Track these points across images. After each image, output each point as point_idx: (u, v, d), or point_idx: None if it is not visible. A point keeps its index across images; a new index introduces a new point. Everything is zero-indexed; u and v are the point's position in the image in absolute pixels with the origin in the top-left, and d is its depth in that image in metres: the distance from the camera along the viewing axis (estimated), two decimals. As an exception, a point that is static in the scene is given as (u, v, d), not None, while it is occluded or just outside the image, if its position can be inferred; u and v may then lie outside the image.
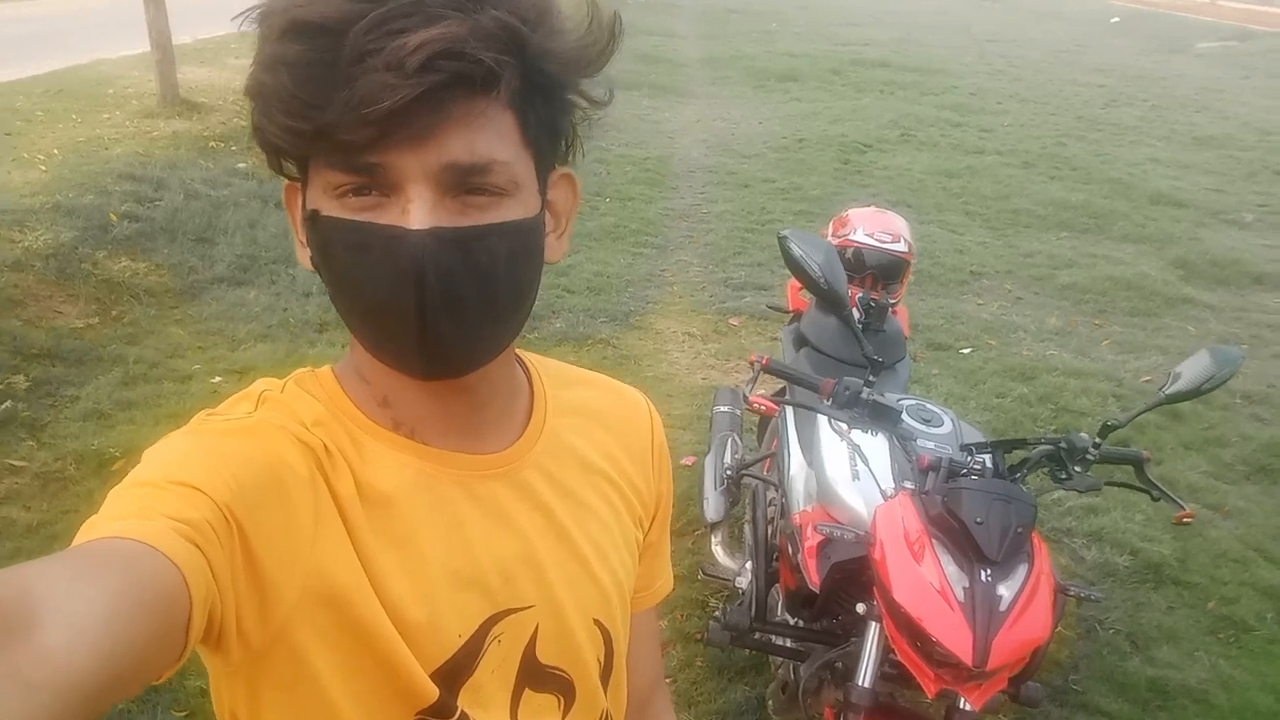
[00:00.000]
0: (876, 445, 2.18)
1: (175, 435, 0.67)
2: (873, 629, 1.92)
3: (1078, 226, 7.32)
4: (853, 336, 2.74)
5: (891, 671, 2.02)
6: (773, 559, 2.52)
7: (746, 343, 5.06)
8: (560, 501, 0.81)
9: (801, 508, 2.40)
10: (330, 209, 0.66)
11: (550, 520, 0.80)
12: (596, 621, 0.83)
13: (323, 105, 0.60)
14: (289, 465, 0.67)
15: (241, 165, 6.57)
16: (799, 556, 2.18)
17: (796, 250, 2.01)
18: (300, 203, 0.70)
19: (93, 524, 0.58)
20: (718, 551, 2.91)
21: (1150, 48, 19.55)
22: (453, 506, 0.75)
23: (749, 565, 2.67)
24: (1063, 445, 1.93)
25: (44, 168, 5.69)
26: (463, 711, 0.73)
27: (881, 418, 1.94)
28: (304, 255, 0.72)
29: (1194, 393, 1.87)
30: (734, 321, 5.28)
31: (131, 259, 4.94)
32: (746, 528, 2.92)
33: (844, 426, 2.03)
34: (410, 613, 0.70)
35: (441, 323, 0.66)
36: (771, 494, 2.78)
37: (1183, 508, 1.90)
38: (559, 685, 0.81)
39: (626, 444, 0.90)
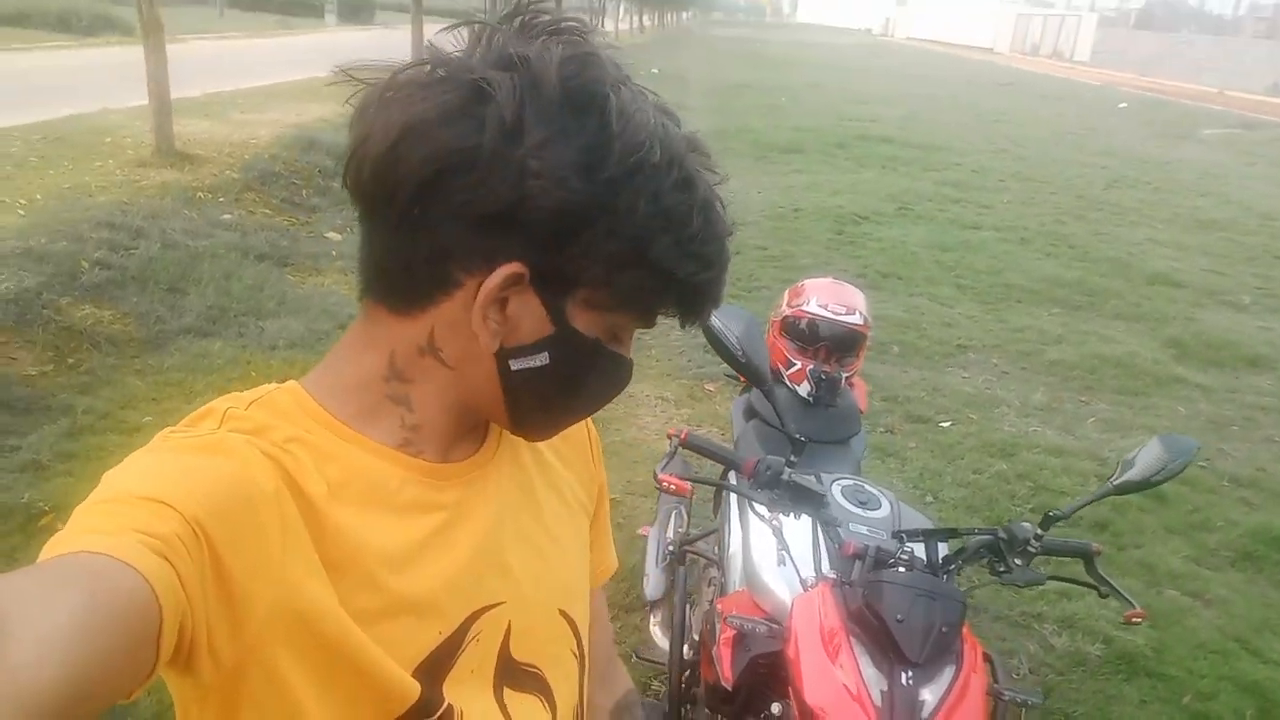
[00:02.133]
0: (799, 529, 2.02)
1: (138, 453, 0.66)
2: None
3: (1070, 303, 7.21)
4: (801, 407, 2.63)
5: None
6: (698, 648, 2.36)
7: (721, 409, 4.93)
8: (523, 500, 0.85)
9: (736, 588, 2.25)
10: (605, 339, 0.76)
11: (514, 518, 0.83)
12: (562, 612, 0.86)
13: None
14: (255, 481, 0.66)
15: (227, 216, 6.56)
16: (715, 648, 2.03)
17: (715, 322, 1.89)
18: (545, 306, 0.73)
19: (58, 540, 0.58)
20: (655, 633, 2.74)
21: (1156, 133, 19.70)
22: (429, 509, 0.76)
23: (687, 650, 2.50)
24: (1002, 536, 1.78)
25: (23, 213, 5.67)
26: (449, 704, 0.74)
27: (803, 500, 1.80)
28: (490, 335, 0.73)
29: (1144, 484, 1.72)
30: (710, 387, 5.17)
31: (96, 306, 4.87)
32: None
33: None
34: (390, 612, 0.71)
35: None
36: (714, 573, 2.62)
37: (1133, 605, 1.74)
38: (535, 684, 0.83)
39: (568, 439, 0.94)
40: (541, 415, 0.80)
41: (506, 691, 0.80)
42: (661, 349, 5.63)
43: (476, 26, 0.71)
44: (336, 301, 5.72)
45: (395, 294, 0.73)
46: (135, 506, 0.59)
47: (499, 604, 0.79)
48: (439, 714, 0.73)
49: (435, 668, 0.74)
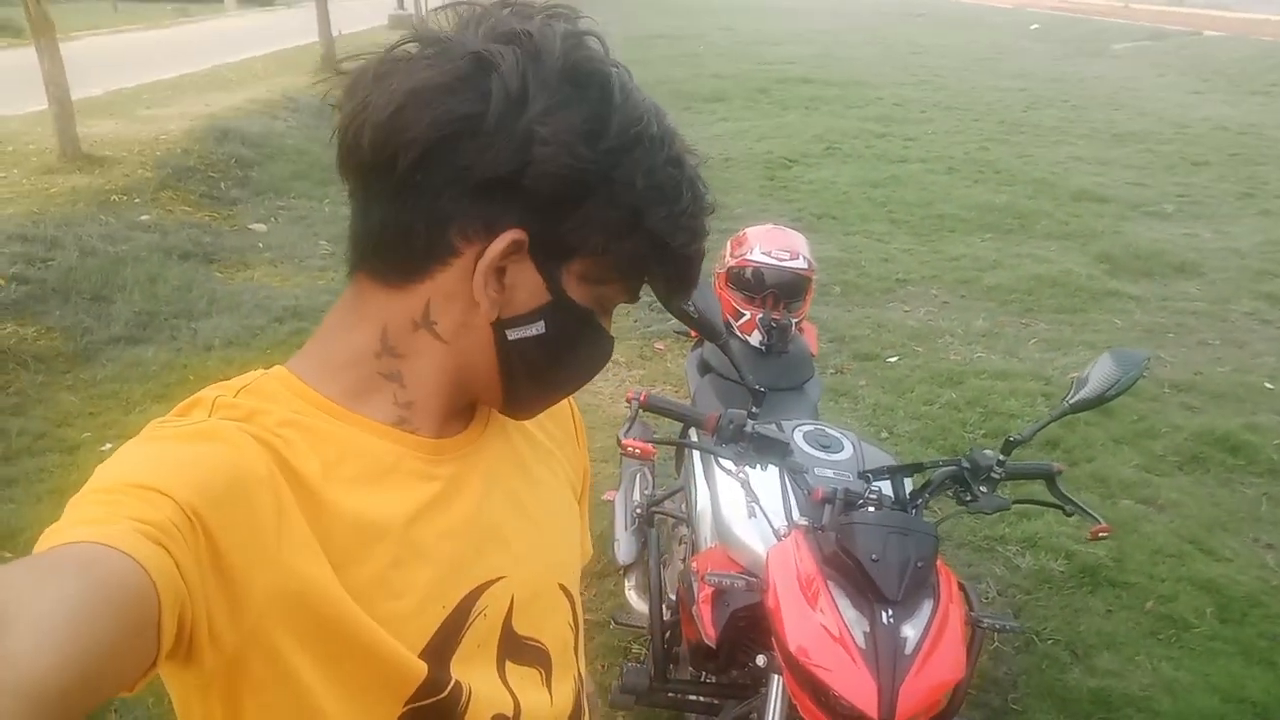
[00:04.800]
0: (767, 480, 2.02)
1: (128, 445, 0.66)
2: (775, 682, 1.76)
3: (1002, 228, 7.32)
4: (754, 357, 2.63)
5: None
6: (676, 608, 2.36)
7: (672, 366, 4.92)
8: (516, 475, 0.86)
9: (708, 545, 2.25)
10: (596, 311, 0.77)
11: (510, 493, 0.84)
12: (561, 586, 0.87)
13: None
14: (247, 465, 0.65)
15: (144, 217, 6.34)
16: (694, 607, 2.03)
17: None
18: (543, 275, 0.74)
19: (53, 531, 0.57)
20: (631, 596, 2.74)
21: (1069, 51, 19.97)
22: (426, 485, 0.76)
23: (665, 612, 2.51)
24: (965, 465, 1.79)
25: (-74, 233, 5.42)
26: (457, 681, 0.74)
27: (768, 450, 1.79)
28: (493, 309, 0.74)
29: (1099, 400, 1.73)
30: (659, 346, 5.15)
31: (19, 324, 4.68)
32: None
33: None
34: (392, 590, 0.71)
35: None
36: (684, 530, 2.62)
37: (1098, 521, 1.76)
38: (536, 657, 0.83)
39: (556, 420, 0.95)
40: (533, 389, 0.80)
41: (508, 665, 0.81)
42: (606, 312, 5.59)
43: (464, 9, 0.72)
44: (268, 295, 5.57)
45: (390, 266, 0.74)
46: (129, 495, 0.59)
47: (500, 578, 0.80)
48: (447, 692, 0.73)
49: (442, 646, 0.74)
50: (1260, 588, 3.18)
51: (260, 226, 6.93)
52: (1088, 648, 2.92)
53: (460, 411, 0.82)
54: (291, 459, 0.69)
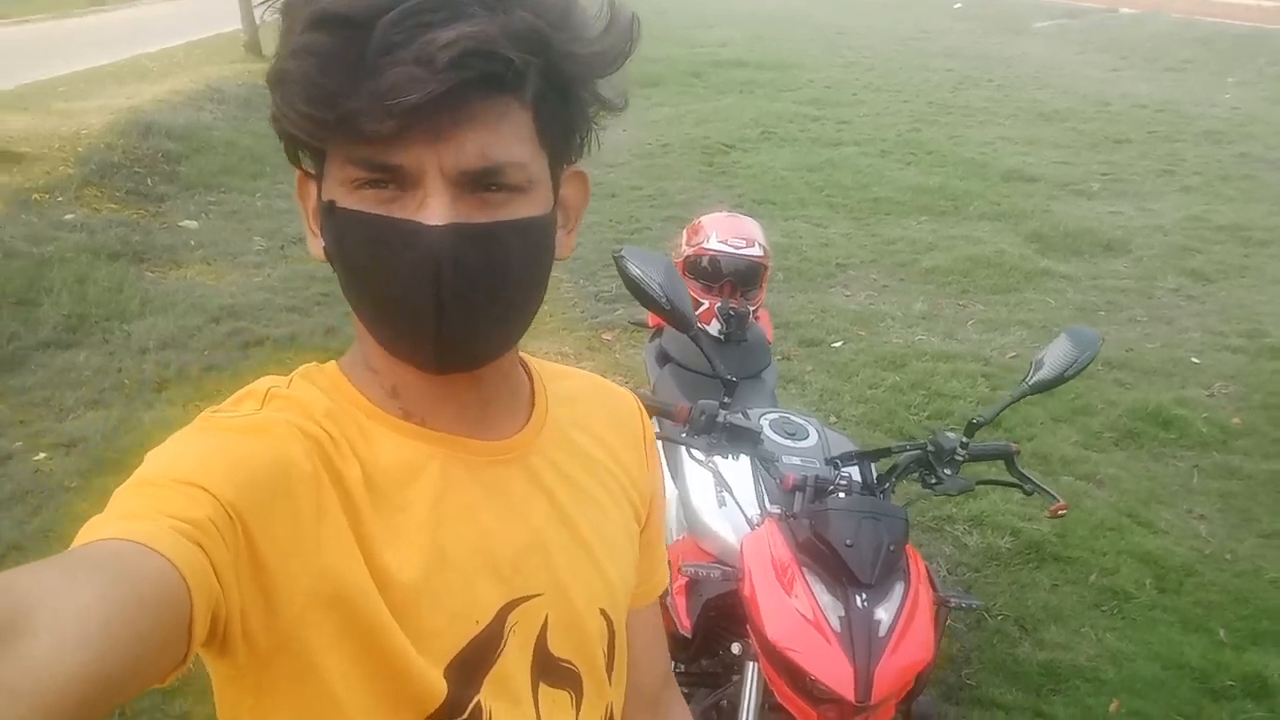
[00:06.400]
0: (739, 470, 2.05)
1: (180, 433, 0.66)
2: (750, 669, 1.79)
3: (936, 209, 7.46)
4: (713, 348, 2.65)
5: (781, 705, 1.90)
6: None
7: (622, 358, 4.93)
8: (565, 489, 0.82)
9: (675, 538, 2.27)
10: (347, 201, 0.66)
11: (556, 507, 0.80)
12: (601, 611, 0.84)
13: (346, 94, 0.60)
14: (294, 462, 0.66)
15: (69, 216, 6.13)
16: (668, 598, 2.05)
17: (634, 270, 1.86)
18: (315, 194, 0.71)
19: (94, 524, 0.58)
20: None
21: (991, 30, 20.36)
22: (464, 491, 0.74)
23: None
24: (930, 448, 1.84)
25: None
26: (478, 703, 0.72)
27: (740, 440, 1.82)
28: (316, 246, 0.73)
29: (1058, 380, 1.79)
30: (607, 337, 5.15)
31: (-61, 332, 4.51)
32: None
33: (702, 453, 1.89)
34: (424, 600, 0.70)
35: (457, 317, 0.67)
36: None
37: (1056, 499, 1.82)
38: (569, 680, 0.81)
39: (621, 435, 0.91)
40: (376, 318, 0.71)
41: (542, 687, 0.79)
42: (553, 303, 5.57)
43: None
44: (203, 294, 5.43)
45: None
46: (171, 490, 0.60)
47: (536, 596, 0.77)
48: (467, 714, 0.72)
49: (474, 662, 0.73)
50: (1195, 557, 3.32)
51: (191, 223, 6.74)
52: (1036, 622, 3.02)
53: (477, 405, 0.77)
54: (336, 458, 0.69)
